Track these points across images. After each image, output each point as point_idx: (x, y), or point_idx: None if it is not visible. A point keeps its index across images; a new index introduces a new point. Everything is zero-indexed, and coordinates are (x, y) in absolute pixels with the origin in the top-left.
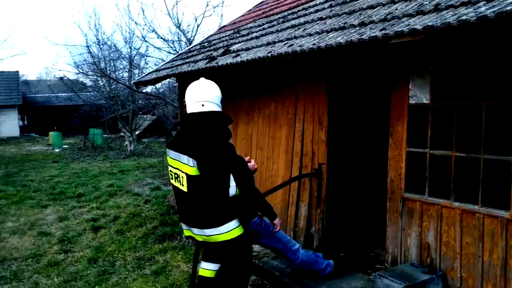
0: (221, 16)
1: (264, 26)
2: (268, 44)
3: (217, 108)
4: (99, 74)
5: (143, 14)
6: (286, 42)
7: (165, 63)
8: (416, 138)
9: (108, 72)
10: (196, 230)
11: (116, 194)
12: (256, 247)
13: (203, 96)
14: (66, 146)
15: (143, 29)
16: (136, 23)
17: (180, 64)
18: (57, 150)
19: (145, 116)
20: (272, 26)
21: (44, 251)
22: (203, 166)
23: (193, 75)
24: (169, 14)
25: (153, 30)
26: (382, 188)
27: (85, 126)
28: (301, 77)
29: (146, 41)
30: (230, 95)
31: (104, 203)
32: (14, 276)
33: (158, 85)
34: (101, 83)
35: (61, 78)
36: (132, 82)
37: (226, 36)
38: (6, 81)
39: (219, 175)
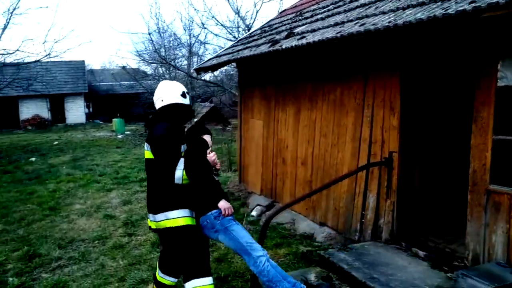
0: (281, 1)
1: (329, 7)
2: (336, 24)
3: (176, 101)
4: (159, 62)
5: (203, 0)
6: (356, 21)
7: (226, 49)
8: (504, 124)
9: (168, 60)
10: (151, 216)
11: None
12: (319, 238)
13: (162, 93)
14: (128, 132)
15: (202, 15)
16: (195, 9)
17: (241, 49)
18: (120, 136)
19: (202, 103)
20: (339, 6)
21: (110, 233)
22: (153, 148)
23: (255, 60)
24: (228, 1)
25: (213, 17)
26: (460, 179)
27: (146, 113)
28: (371, 59)
29: (205, 28)
30: (292, 80)
31: None
32: (82, 257)
33: (216, 72)
34: (161, 71)
35: (123, 67)
36: (193, 68)
37: (287, 19)
38: (73, 70)
39: (165, 156)
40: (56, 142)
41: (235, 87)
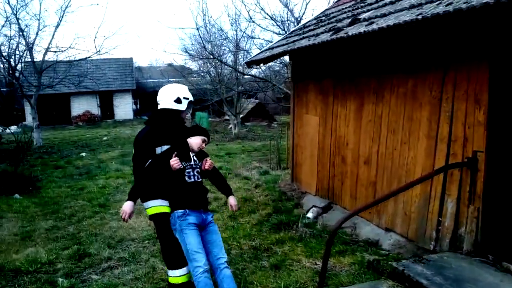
0: None
1: None
2: (413, 7)
3: (168, 106)
4: (206, 58)
5: None
6: (439, 2)
7: (278, 41)
8: None
9: (215, 55)
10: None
11: (226, 177)
12: (385, 245)
13: (160, 96)
14: None
15: (249, 10)
16: (243, 2)
17: (297, 40)
18: None
19: (248, 100)
20: None
21: None
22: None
23: (312, 51)
24: None
25: (262, 9)
26: None
27: (192, 109)
28: (452, 47)
29: (253, 21)
30: (354, 73)
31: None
32: (132, 258)
33: (263, 67)
34: (207, 68)
35: (169, 64)
36: (244, 61)
37: (347, 7)
38: (122, 67)
39: (135, 157)
40: (105, 138)
41: (283, 83)
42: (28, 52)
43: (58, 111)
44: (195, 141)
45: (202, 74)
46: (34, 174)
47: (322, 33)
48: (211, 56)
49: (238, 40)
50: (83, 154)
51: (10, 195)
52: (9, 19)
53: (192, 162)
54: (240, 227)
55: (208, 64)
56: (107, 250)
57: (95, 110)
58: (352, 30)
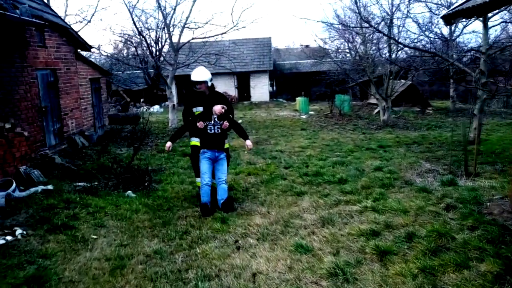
0: None
1: None
2: None
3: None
4: (360, 27)
5: None
6: None
7: None
8: None
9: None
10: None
11: (392, 185)
12: None
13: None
14: (312, 112)
15: None
16: None
17: None
18: (303, 117)
19: (396, 81)
20: None
21: None
22: None
23: None
24: None
25: None
26: None
27: (333, 92)
28: None
29: None
30: None
31: (380, 200)
32: None
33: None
34: (349, 46)
35: (306, 46)
36: (441, 15)
37: None
38: (260, 48)
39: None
40: (240, 121)
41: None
42: (165, 28)
43: None
44: (216, 108)
45: (344, 52)
46: (157, 162)
47: None
48: (366, 24)
49: (393, 8)
50: None
51: (124, 191)
52: None
53: (212, 121)
54: None
55: (354, 39)
56: None
57: (232, 91)
58: None
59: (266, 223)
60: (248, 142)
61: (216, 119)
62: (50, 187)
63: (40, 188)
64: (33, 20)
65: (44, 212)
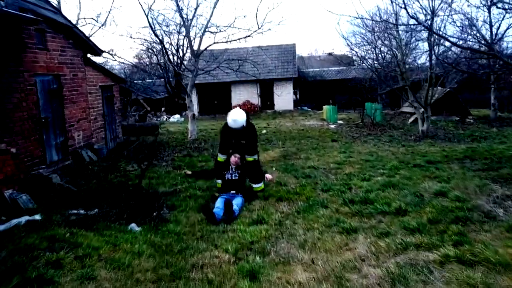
0: None
1: None
2: None
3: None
4: (394, 24)
5: None
6: None
7: None
8: None
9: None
10: None
11: (469, 219)
12: None
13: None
14: (340, 121)
15: None
16: None
17: None
18: (332, 126)
19: (435, 88)
20: None
21: None
22: None
23: None
24: None
25: None
26: None
27: (364, 99)
28: None
29: None
30: None
31: (464, 245)
32: None
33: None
34: (377, 52)
35: (330, 53)
36: None
37: None
38: (283, 55)
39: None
40: (264, 131)
41: None
42: (185, 31)
43: (219, 100)
44: (232, 160)
45: (372, 58)
46: (172, 182)
47: None
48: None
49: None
50: None
51: (127, 222)
52: None
53: (230, 170)
54: None
55: (390, 41)
56: None
57: (255, 99)
58: None
59: (311, 279)
60: (268, 176)
61: (232, 168)
62: (37, 217)
63: (24, 219)
64: (21, 14)
65: (20, 256)
